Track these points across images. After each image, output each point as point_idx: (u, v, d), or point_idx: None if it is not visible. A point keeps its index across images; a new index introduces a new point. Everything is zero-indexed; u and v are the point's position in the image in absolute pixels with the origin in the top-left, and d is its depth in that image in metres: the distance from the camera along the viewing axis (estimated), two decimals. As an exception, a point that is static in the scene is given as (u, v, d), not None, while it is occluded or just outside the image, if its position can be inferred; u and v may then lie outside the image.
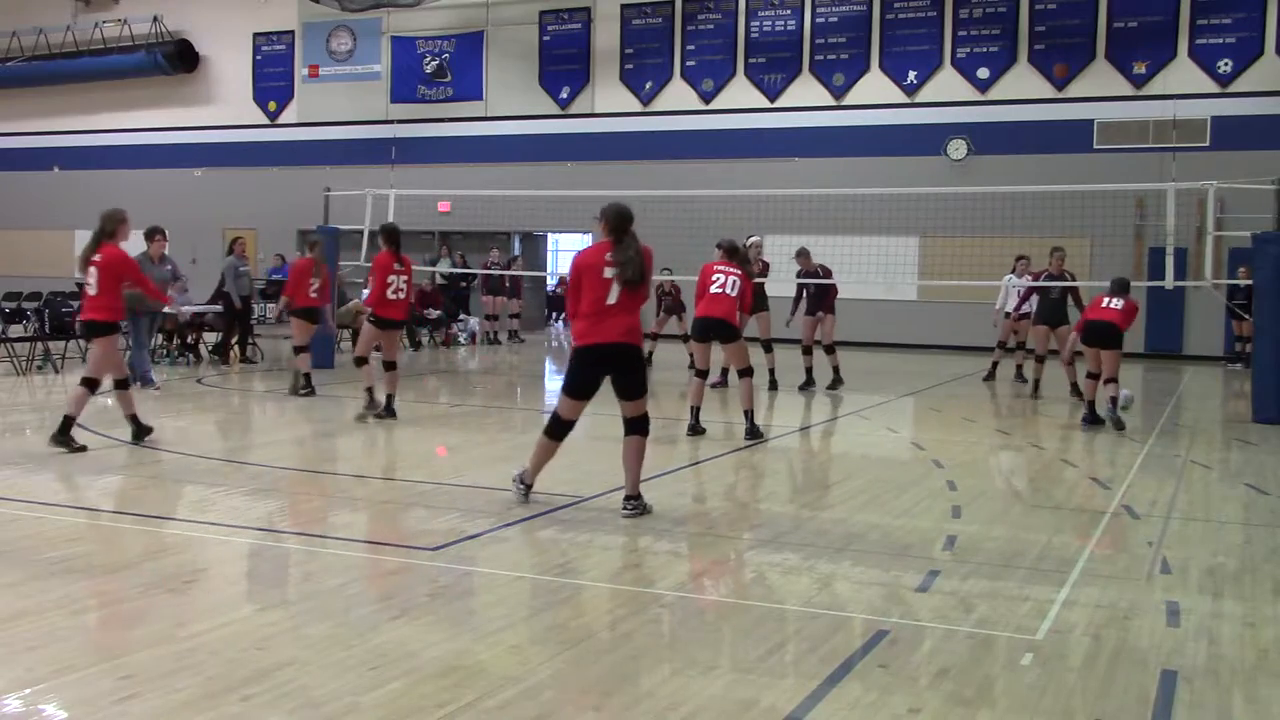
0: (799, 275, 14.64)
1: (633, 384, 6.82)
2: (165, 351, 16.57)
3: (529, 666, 4.28)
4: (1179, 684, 4.24)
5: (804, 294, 14.55)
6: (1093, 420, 11.07)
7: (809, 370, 14.35)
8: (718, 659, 4.43)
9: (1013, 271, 15.67)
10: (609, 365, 6.79)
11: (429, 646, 4.47)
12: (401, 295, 10.93)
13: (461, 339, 21.68)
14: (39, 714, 3.79)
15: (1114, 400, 10.84)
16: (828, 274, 14.55)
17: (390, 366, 10.95)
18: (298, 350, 12.79)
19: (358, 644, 4.47)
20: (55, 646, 4.37)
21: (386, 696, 3.94)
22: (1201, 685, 4.24)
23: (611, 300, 6.65)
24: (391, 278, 10.80)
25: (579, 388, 6.85)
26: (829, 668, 4.31)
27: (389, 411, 10.76)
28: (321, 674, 4.14)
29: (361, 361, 11.14)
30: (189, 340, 16.89)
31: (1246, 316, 15.49)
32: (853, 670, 4.30)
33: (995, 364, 15.92)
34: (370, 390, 10.88)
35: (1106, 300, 11.10)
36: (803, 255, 14.56)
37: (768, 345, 14.55)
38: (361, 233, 17.22)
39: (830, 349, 14.46)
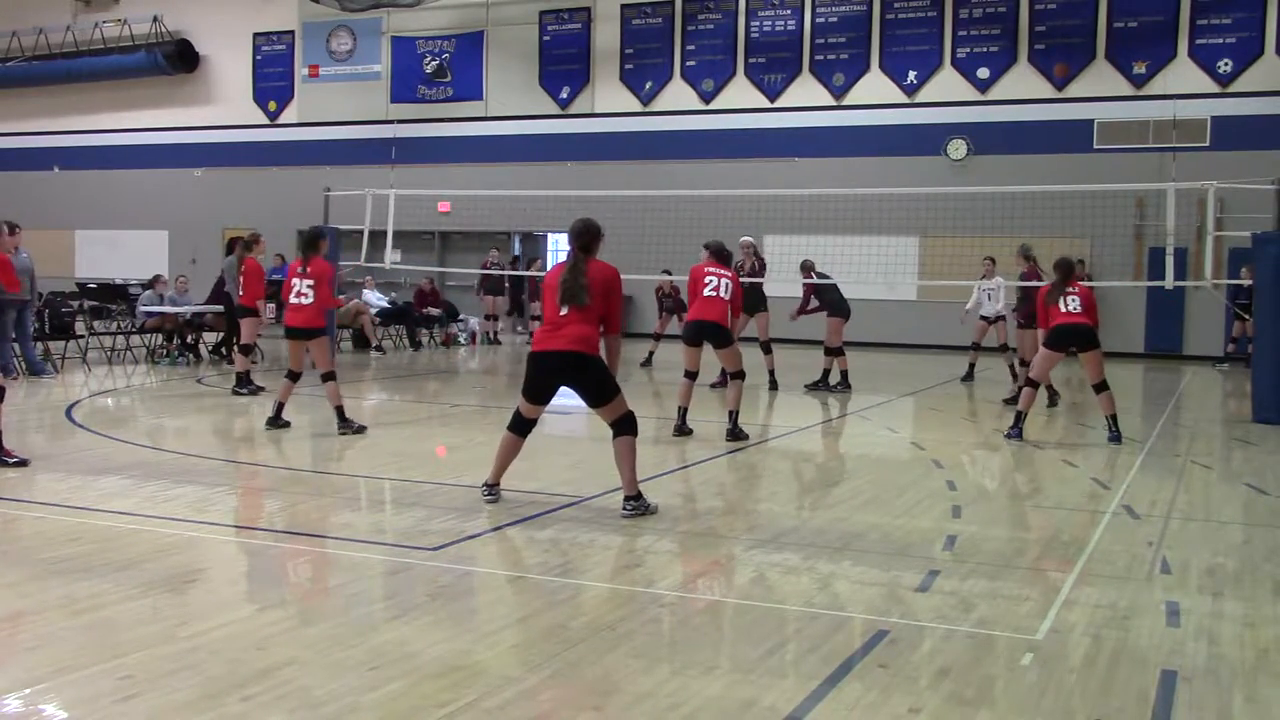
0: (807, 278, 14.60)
1: (592, 392, 6.86)
2: (165, 351, 16.59)
3: (529, 666, 4.29)
4: (1179, 684, 4.24)
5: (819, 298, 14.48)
6: (1019, 435, 10.28)
7: (843, 372, 14.35)
8: (718, 659, 4.43)
9: (983, 276, 15.22)
10: (559, 373, 6.87)
11: (429, 646, 4.47)
12: (304, 300, 10.04)
13: (461, 339, 21.69)
14: (39, 714, 3.78)
15: (1113, 418, 10.35)
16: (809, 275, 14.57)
17: (290, 376, 10.29)
18: (247, 350, 13.07)
19: (358, 644, 4.47)
20: (55, 646, 4.37)
21: (386, 696, 3.94)
22: (1201, 685, 4.24)
23: (564, 311, 6.78)
24: (295, 281, 10.13)
25: (528, 391, 7.00)
26: (829, 668, 4.31)
27: (276, 422, 10.14)
28: (321, 674, 4.14)
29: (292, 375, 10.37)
30: (189, 340, 16.90)
31: (1248, 317, 15.49)
32: (853, 670, 4.30)
33: (972, 364, 15.61)
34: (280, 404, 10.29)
35: (1064, 302, 10.31)
36: (805, 268, 14.56)
37: (766, 346, 14.57)
38: (361, 233, 17.22)
39: (829, 351, 14.43)
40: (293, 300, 10.16)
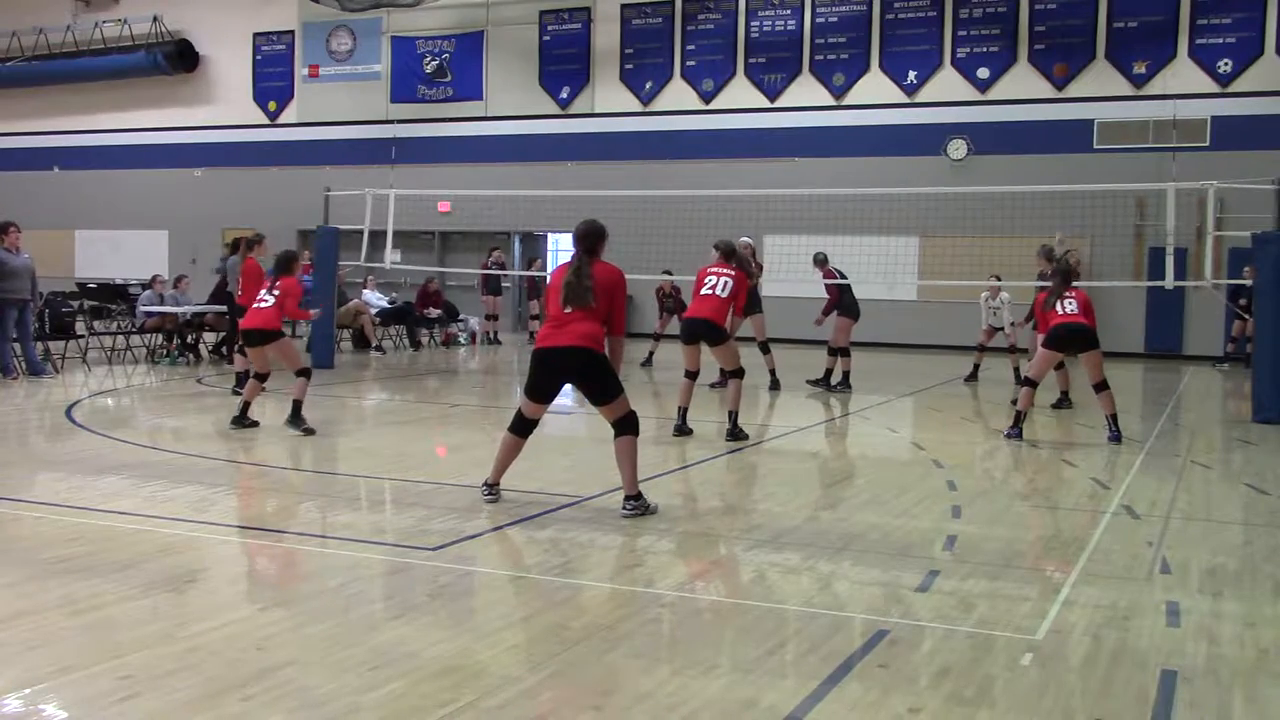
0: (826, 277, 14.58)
1: (597, 390, 6.87)
2: (165, 351, 16.59)
3: (529, 666, 4.29)
4: (1179, 684, 4.24)
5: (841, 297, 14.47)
6: (1018, 434, 10.24)
7: (845, 372, 14.33)
8: (718, 659, 4.43)
9: (988, 294, 15.24)
10: (566, 371, 6.88)
11: (429, 646, 4.47)
12: (263, 305, 10.14)
13: (461, 339, 21.68)
14: (39, 714, 3.79)
15: (1113, 418, 10.35)
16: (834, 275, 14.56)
17: (257, 377, 10.35)
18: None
19: (358, 644, 4.47)
20: (55, 646, 4.38)
21: (386, 696, 3.94)
22: (1201, 685, 4.24)
23: (569, 309, 6.79)
24: (263, 291, 10.30)
25: (532, 389, 6.99)
26: (829, 668, 4.31)
27: (242, 421, 10.19)
28: (321, 674, 4.14)
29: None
30: (189, 340, 16.90)
31: (1248, 316, 15.48)
32: (853, 670, 4.30)
33: (977, 365, 15.65)
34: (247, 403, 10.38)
35: (1060, 305, 10.41)
36: (819, 262, 14.58)
37: (764, 347, 14.56)
38: (361, 233, 17.22)
39: (834, 351, 14.42)
40: (255, 305, 10.22)
